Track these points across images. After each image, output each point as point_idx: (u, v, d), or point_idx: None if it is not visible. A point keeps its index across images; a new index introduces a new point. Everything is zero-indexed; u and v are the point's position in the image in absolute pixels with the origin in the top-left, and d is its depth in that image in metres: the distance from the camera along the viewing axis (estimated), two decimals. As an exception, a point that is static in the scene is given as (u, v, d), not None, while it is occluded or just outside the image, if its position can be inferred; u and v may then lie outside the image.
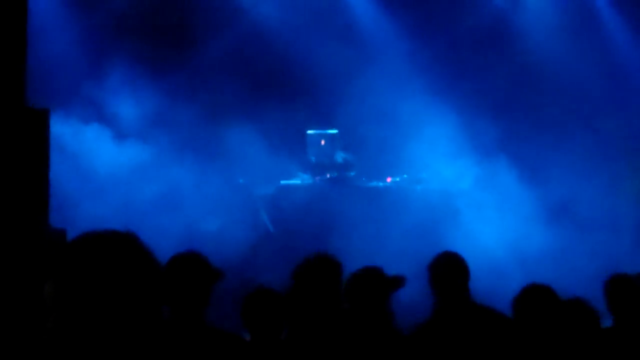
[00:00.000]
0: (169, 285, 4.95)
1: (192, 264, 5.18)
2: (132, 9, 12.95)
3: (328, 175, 13.66)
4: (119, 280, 2.27)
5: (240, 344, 5.20)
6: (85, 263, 2.28)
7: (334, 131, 13.91)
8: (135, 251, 2.33)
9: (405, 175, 13.76)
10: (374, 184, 13.72)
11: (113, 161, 11.87)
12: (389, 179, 13.77)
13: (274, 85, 13.62)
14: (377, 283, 5.61)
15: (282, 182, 13.47)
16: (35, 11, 10.60)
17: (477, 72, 13.74)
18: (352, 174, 13.75)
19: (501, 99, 13.96)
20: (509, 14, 14.61)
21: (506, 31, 14.51)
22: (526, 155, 13.39)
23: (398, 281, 5.67)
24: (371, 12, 14.27)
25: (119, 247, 2.32)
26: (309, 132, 13.88)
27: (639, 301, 6.16)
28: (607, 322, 5.96)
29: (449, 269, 6.23)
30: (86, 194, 11.35)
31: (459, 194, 13.19)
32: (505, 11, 14.62)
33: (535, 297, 5.70)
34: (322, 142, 13.88)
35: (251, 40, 13.55)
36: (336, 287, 5.57)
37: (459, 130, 13.06)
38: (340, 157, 13.86)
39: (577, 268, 11.41)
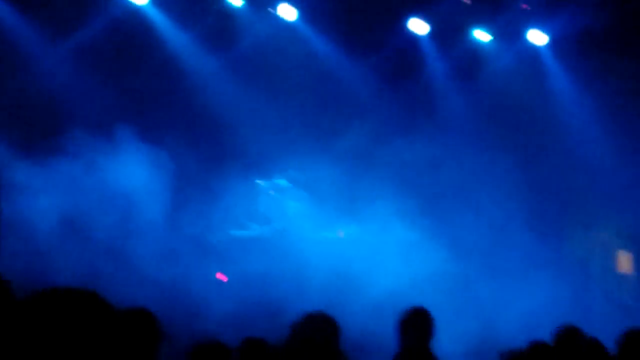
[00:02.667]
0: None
1: (140, 324, 5.00)
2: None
3: (277, 226, 13.54)
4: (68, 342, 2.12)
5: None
6: (34, 322, 2.13)
7: (283, 181, 13.83)
8: (92, 312, 2.19)
9: (354, 227, 13.68)
10: (324, 235, 13.60)
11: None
12: (341, 233, 13.63)
13: (219, 135, 13.57)
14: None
15: (232, 232, 13.33)
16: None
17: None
18: (302, 224, 13.64)
19: None
20: None
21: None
22: None
23: None
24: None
25: (74, 308, 2.18)
26: (259, 181, 13.79)
27: None
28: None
29: (413, 323, 6.34)
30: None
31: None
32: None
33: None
34: (272, 192, 13.78)
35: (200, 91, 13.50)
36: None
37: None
38: (289, 207, 13.76)
39: None
